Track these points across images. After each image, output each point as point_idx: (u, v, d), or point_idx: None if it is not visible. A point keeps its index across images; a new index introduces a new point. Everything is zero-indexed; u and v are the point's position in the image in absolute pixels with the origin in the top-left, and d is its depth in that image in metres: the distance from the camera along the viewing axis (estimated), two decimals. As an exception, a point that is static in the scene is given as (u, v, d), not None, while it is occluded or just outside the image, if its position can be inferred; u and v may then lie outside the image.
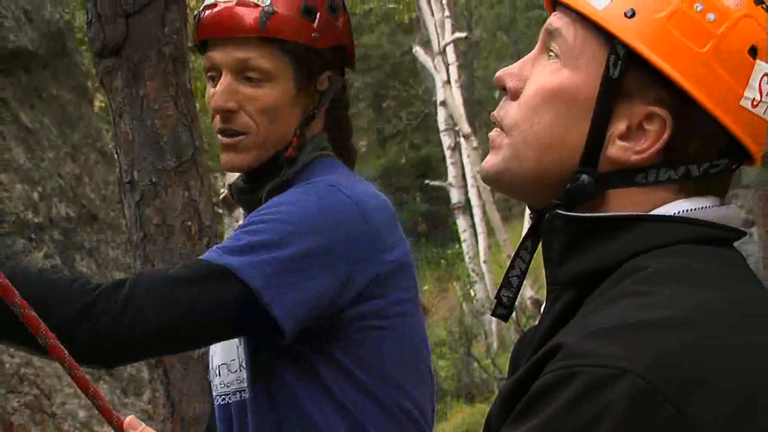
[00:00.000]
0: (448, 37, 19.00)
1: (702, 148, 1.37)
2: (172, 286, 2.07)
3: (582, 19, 1.39)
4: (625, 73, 1.36)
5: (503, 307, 1.52)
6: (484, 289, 19.05)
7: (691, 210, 1.36)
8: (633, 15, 1.35)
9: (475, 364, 16.79)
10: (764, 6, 1.37)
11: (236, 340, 2.29)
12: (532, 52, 1.45)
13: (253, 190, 2.33)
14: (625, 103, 1.37)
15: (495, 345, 18.28)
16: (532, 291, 15.98)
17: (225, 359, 2.36)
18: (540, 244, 1.46)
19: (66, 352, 1.70)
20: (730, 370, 1.18)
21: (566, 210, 1.38)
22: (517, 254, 1.52)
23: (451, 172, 19.76)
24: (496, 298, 1.53)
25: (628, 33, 1.35)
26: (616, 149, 1.37)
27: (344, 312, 2.20)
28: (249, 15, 2.21)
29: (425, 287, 23.77)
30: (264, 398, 2.25)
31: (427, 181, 23.59)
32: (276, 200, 2.20)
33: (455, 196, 19.71)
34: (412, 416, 2.29)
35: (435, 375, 2.40)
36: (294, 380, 2.23)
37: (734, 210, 1.41)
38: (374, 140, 32.86)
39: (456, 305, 20.81)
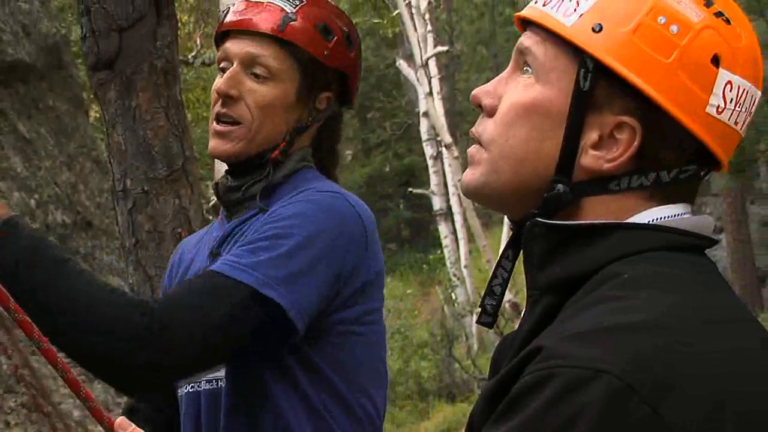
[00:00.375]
0: (430, 50, 19.02)
1: (671, 154, 1.37)
2: (203, 313, 2.08)
3: (552, 36, 1.40)
4: (595, 86, 1.36)
5: (487, 315, 1.52)
6: (465, 293, 19.07)
7: (665, 218, 1.37)
8: (600, 30, 1.36)
9: (456, 365, 16.80)
10: (724, 18, 1.38)
11: None
12: (506, 71, 1.46)
13: (239, 188, 2.34)
14: (596, 114, 1.37)
15: (475, 346, 18.29)
16: (510, 295, 15.99)
17: None
18: (521, 253, 1.46)
19: (59, 355, 1.69)
20: (698, 377, 1.18)
21: (545, 218, 1.38)
22: (498, 264, 1.52)
23: (433, 180, 19.77)
24: (480, 306, 1.53)
25: (597, 47, 1.35)
26: (589, 158, 1.37)
27: (330, 316, 2.22)
28: (272, 16, 2.29)
29: (408, 291, 23.78)
30: (239, 389, 2.25)
31: (410, 189, 23.61)
32: (287, 211, 2.21)
33: (437, 203, 19.74)
34: (372, 419, 2.32)
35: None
36: (270, 377, 2.24)
37: (706, 219, 1.41)
38: (359, 149, 32.86)
39: (438, 308, 20.83)
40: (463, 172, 1.49)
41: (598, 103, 1.37)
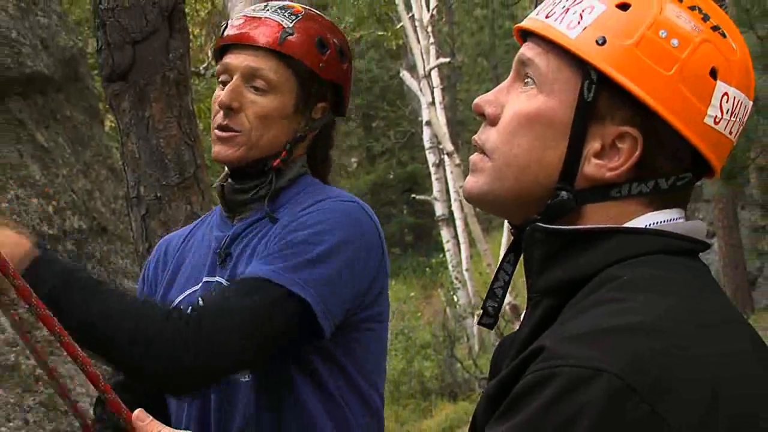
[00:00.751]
0: (433, 62, 19.00)
1: (670, 163, 1.37)
2: (241, 315, 2.11)
3: (555, 47, 1.40)
4: (598, 97, 1.36)
5: (489, 317, 1.52)
6: (467, 296, 19.03)
7: (661, 222, 1.37)
8: (604, 42, 1.36)
9: (458, 365, 16.77)
10: (720, 31, 1.38)
11: None
12: (506, 80, 1.46)
13: (246, 190, 2.36)
14: (598, 124, 1.37)
15: (476, 347, 18.25)
16: (510, 297, 15.97)
17: None
18: (521, 257, 1.46)
19: (78, 349, 1.68)
20: (693, 381, 1.18)
21: (545, 223, 1.38)
22: (500, 267, 1.52)
23: (436, 187, 19.74)
24: (482, 308, 1.53)
25: (600, 59, 1.35)
26: (592, 167, 1.38)
27: (354, 316, 2.27)
28: (271, 31, 2.30)
29: (412, 294, 23.75)
30: (264, 382, 2.27)
31: (413, 196, 23.55)
32: (312, 219, 2.24)
33: (439, 209, 19.70)
34: (379, 409, 2.37)
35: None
36: (294, 370, 2.26)
37: (700, 224, 1.42)
38: (364, 157, 32.86)
39: (440, 310, 20.79)
40: (465, 179, 1.49)
41: (600, 113, 1.37)
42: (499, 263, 1.52)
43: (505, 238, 18.83)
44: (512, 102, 1.43)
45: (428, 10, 19.36)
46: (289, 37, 2.30)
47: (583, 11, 1.39)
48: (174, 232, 2.66)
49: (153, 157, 3.98)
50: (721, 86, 1.37)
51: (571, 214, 1.39)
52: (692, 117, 1.35)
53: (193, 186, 4.01)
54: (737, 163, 8.11)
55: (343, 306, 2.20)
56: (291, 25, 2.31)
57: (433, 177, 19.93)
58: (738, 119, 1.40)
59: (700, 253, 1.42)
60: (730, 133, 1.40)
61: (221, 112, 2.32)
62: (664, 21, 1.36)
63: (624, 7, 1.37)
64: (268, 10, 2.35)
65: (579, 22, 1.38)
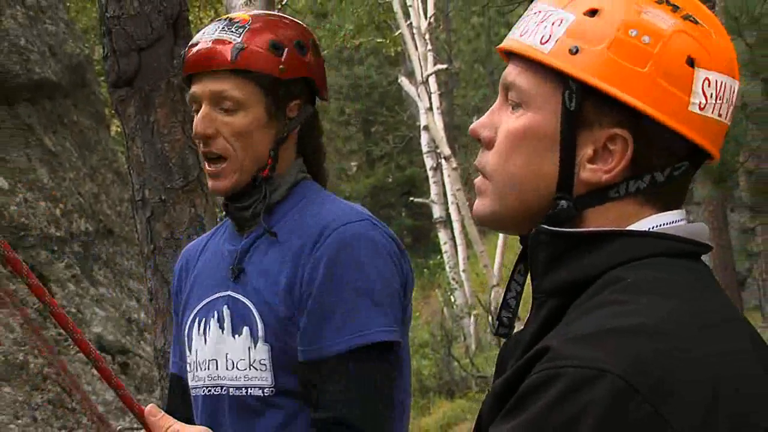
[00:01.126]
0: (430, 68, 19.02)
1: (663, 156, 1.36)
2: (371, 397, 2.18)
3: (533, 64, 1.39)
4: (582, 104, 1.35)
5: (504, 327, 1.51)
6: (464, 296, 19.05)
7: (664, 225, 1.36)
8: (577, 51, 1.35)
9: (455, 364, 16.76)
10: (692, 19, 1.37)
11: (249, 341, 2.28)
12: (496, 102, 1.45)
13: (247, 207, 2.34)
14: (587, 131, 1.36)
15: (473, 346, 18.26)
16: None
17: (216, 354, 2.34)
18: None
19: (91, 346, 1.67)
20: (694, 383, 1.18)
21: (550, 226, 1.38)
22: (511, 278, 1.51)
23: (433, 190, 19.76)
24: (497, 319, 1.52)
25: (576, 68, 1.35)
26: (588, 172, 1.37)
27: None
28: (223, 51, 2.24)
29: (410, 294, 23.71)
30: (290, 400, 2.27)
31: (411, 199, 23.60)
32: (349, 264, 2.20)
33: (437, 211, 19.72)
34: (408, 411, 2.38)
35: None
36: None
37: (702, 226, 1.40)
38: (363, 161, 32.84)
39: (438, 310, 20.80)
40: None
41: (587, 120, 1.36)
42: (510, 275, 1.52)
43: (501, 241, 18.85)
44: (504, 123, 1.42)
45: (426, 17, 19.39)
46: (241, 52, 2.24)
47: (554, 24, 1.38)
48: (191, 242, 2.65)
49: (158, 161, 3.98)
50: (700, 73, 1.35)
51: (574, 218, 1.38)
52: (676, 108, 1.34)
53: (196, 189, 4.01)
54: (727, 167, 8.11)
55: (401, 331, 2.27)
56: (240, 39, 2.25)
57: (431, 180, 19.95)
58: (725, 101, 1.38)
59: None
60: (720, 116, 1.38)
61: (201, 142, 2.31)
62: (632, 20, 1.35)
63: (592, 13, 1.36)
64: (216, 30, 2.30)
65: (551, 35, 1.37)
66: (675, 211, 1.39)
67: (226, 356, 2.31)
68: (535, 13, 1.42)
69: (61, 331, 6.05)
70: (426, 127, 18.95)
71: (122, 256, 7.34)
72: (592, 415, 1.13)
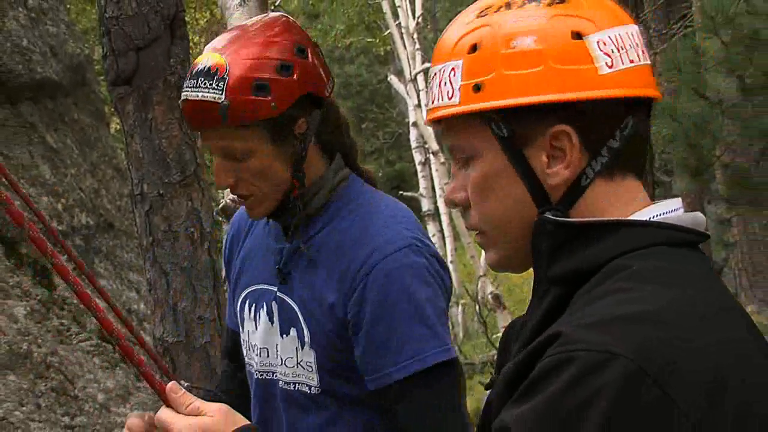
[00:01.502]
0: (419, 66, 19.00)
1: (606, 124, 1.37)
2: (448, 414, 2.16)
3: (456, 120, 1.42)
4: (511, 127, 1.37)
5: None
6: (451, 286, 19.02)
7: (664, 214, 1.37)
8: (480, 87, 1.37)
9: (444, 351, 16.75)
10: (558, 1, 1.38)
11: (296, 342, 2.25)
12: (453, 167, 1.48)
13: (284, 221, 2.29)
14: (530, 145, 1.38)
15: (461, 335, 18.26)
16: (492, 287, 16.01)
17: (266, 343, 2.33)
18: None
19: (114, 325, 1.65)
20: (696, 371, 1.18)
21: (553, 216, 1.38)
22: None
23: (422, 184, 19.75)
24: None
25: (487, 101, 1.37)
26: (552, 177, 1.38)
27: None
28: (210, 112, 2.11)
29: (400, 284, 23.70)
30: (335, 401, 2.26)
31: (401, 192, 23.50)
32: (399, 289, 2.14)
33: (425, 204, 19.71)
34: None
35: None
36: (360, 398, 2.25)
37: (699, 215, 1.41)
38: (355, 157, 32.80)
39: (427, 299, 20.74)
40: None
41: (524, 136, 1.37)
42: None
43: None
44: (467, 180, 1.44)
45: (414, 18, 19.37)
46: (229, 110, 2.09)
47: (450, 76, 1.41)
48: (238, 211, 2.56)
49: (156, 157, 3.97)
50: (590, 40, 1.35)
51: (570, 214, 1.39)
52: (589, 79, 1.35)
53: (193, 183, 4.01)
54: (704, 161, 8.12)
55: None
56: (223, 96, 2.09)
57: (420, 175, 19.93)
58: (629, 46, 1.38)
59: None
60: (632, 61, 1.38)
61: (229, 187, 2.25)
62: (508, 34, 1.37)
63: (474, 49, 1.39)
64: (198, 84, 2.13)
65: (453, 87, 1.40)
66: (673, 200, 1.40)
67: (277, 349, 2.29)
68: (433, 78, 1.45)
69: (64, 321, 6.06)
70: (415, 124, 18.93)
71: (122, 248, 7.33)
72: (605, 397, 1.13)
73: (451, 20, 1.48)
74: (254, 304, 2.35)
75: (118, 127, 6.24)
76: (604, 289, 1.27)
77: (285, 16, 2.28)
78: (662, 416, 1.14)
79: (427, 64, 19.52)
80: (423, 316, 2.13)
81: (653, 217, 1.37)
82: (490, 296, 15.09)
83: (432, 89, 1.45)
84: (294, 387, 2.28)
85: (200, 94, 2.12)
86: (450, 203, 1.49)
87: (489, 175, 1.41)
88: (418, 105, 18.67)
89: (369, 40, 21.54)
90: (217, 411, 1.61)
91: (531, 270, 1.44)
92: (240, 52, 2.13)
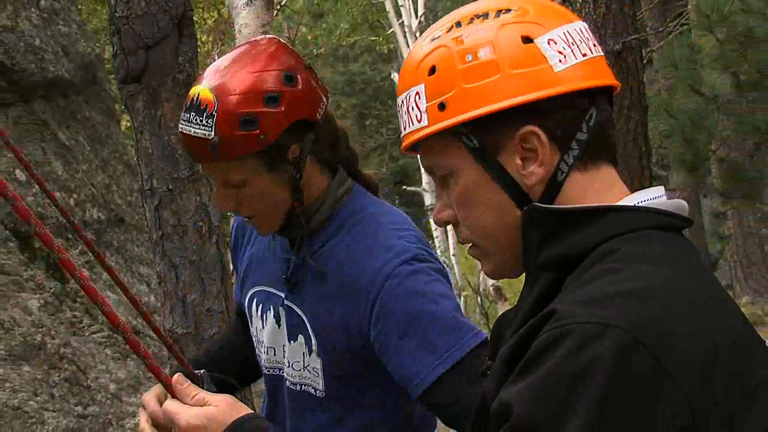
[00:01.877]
0: (421, 65, 19.00)
1: (570, 118, 1.39)
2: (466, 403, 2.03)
3: (428, 141, 1.45)
4: (480, 137, 1.40)
5: None
6: (453, 278, 19.05)
7: (648, 200, 1.38)
8: (444, 105, 1.40)
9: (446, 341, 16.75)
10: (505, 9, 1.41)
11: (304, 348, 2.23)
12: (436, 188, 1.51)
13: (289, 235, 2.27)
14: (502, 152, 1.40)
15: (463, 325, 18.27)
16: (493, 279, 16.02)
17: (273, 343, 2.32)
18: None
19: (120, 319, 1.65)
20: (690, 340, 1.18)
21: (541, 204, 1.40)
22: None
23: (425, 179, 19.77)
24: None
25: (452, 116, 1.40)
26: (528, 178, 1.40)
27: None
28: (202, 148, 2.08)
29: (403, 276, 23.70)
30: (339, 404, 2.25)
31: (404, 187, 23.58)
32: (409, 294, 2.08)
33: (428, 199, 19.73)
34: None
35: None
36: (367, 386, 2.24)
37: (682, 202, 1.42)
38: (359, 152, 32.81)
39: (429, 291, 20.75)
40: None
41: (495, 143, 1.40)
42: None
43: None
44: (451, 198, 1.47)
45: (416, 17, 19.35)
46: (218, 147, 2.06)
47: (416, 101, 1.44)
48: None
49: (165, 153, 3.97)
50: (540, 41, 1.38)
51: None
52: (545, 78, 1.37)
53: (201, 178, 4.01)
54: (699, 156, 8.11)
55: None
56: (212, 133, 2.05)
57: (422, 170, 19.95)
58: (579, 41, 1.41)
59: None
60: (584, 55, 1.40)
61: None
62: (462, 50, 1.40)
63: (432, 71, 1.42)
64: (190, 120, 2.09)
65: (420, 111, 1.43)
66: (656, 188, 1.41)
67: (284, 350, 2.29)
68: (401, 106, 1.48)
69: (77, 313, 6.06)
70: (417, 120, 18.93)
71: (132, 242, 7.33)
72: (601, 368, 1.13)
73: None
74: (261, 305, 2.35)
75: (128, 124, 6.23)
76: (596, 272, 1.28)
77: (275, 39, 2.22)
78: (656, 386, 1.14)
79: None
80: (440, 320, 2.07)
81: (638, 202, 1.38)
82: (491, 288, 15.09)
83: (402, 116, 1.48)
84: (300, 388, 2.27)
85: (192, 129, 2.09)
86: (440, 223, 1.51)
87: (469, 187, 1.43)
88: (421, 102, 18.65)
89: (372, 38, 21.53)
90: (222, 401, 1.63)
91: None
92: (227, 87, 2.07)
